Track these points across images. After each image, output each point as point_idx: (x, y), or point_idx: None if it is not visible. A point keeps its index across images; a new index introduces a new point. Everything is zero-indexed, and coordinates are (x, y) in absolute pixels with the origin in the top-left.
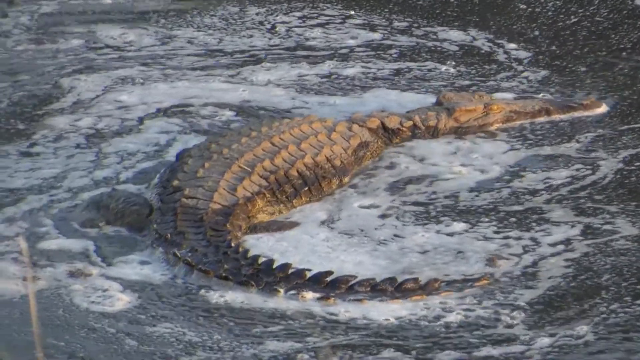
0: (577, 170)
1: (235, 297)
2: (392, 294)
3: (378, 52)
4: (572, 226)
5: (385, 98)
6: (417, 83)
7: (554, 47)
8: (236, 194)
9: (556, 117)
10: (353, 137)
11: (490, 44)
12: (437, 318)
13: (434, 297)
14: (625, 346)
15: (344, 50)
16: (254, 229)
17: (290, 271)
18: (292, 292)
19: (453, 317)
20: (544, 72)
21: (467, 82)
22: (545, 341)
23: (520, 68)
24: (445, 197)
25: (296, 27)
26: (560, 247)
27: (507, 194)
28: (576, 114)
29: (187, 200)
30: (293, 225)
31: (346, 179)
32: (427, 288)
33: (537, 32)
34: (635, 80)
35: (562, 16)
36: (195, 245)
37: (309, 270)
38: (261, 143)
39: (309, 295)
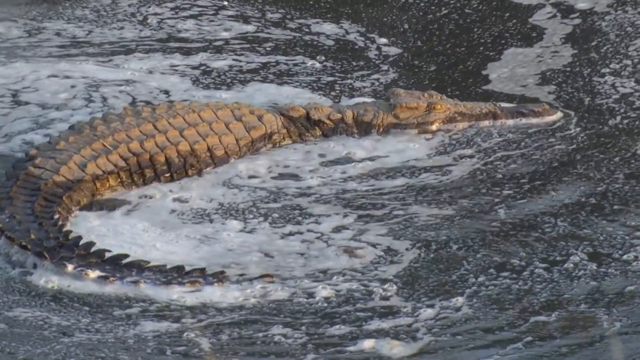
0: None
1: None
2: (176, 279)
3: (253, 44)
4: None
5: (266, 92)
6: (286, 77)
7: (419, 43)
8: (86, 170)
9: (502, 122)
10: (256, 129)
11: (363, 39)
12: (311, 295)
13: (304, 278)
14: (503, 318)
15: (217, 43)
16: (92, 205)
17: (92, 250)
18: (80, 269)
19: (326, 293)
20: (400, 72)
21: (329, 79)
22: (429, 312)
23: (384, 67)
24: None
25: (169, 18)
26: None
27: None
28: (525, 121)
29: (34, 169)
30: (123, 204)
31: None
32: (208, 278)
33: (406, 26)
34: (475, 78)
35: (433, 8)
36: (18, 212)
37: (110, 251)
38: (142, 125)
39: (94, 274)
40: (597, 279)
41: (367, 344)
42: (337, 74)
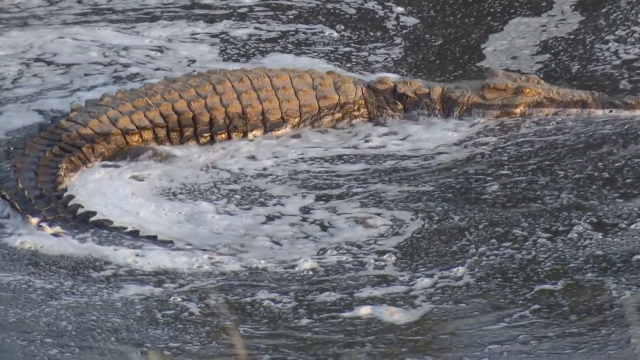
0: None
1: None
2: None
3: (276, 12)
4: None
5: (284, 62)
6: (304, 47)
7: (433, 13)
8: (117, 124)
9: (591, 111)
10: (327, 98)
11: (381, 7)
12: (292, 267)
13: (283, 250)
14: (507, 287)
15: (241, 10)
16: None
17: (69, 206)
18: (40, 224)
19: (309, 265)
20: (409, 46)
21: (346, 49)
22: (426, 281)
23: (398, 40)
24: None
25: None
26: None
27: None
28: (615, 112)
29: (64, 122)
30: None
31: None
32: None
33: None
34: (472, 53)
35: None
36: (24, 161)
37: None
38: (202, 85)
39: (51, 230)
40: (603, 248)
41: (364, 310)
42: (353, 44)
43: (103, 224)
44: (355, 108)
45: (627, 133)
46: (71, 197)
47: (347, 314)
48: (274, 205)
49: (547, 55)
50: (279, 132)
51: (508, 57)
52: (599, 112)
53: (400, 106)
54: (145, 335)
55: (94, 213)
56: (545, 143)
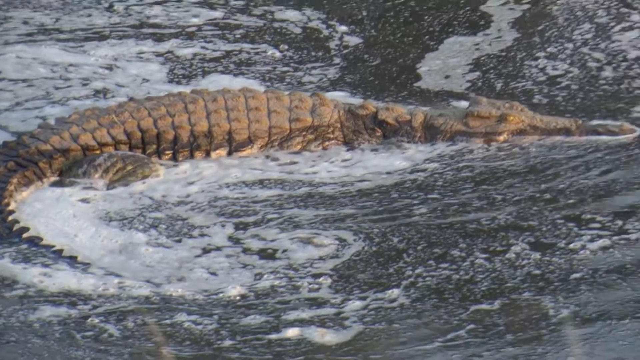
0: None
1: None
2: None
3: (224, 31)
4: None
5: (221, 84)
6: (244, 67)
7: (374, 32)
8: (78, 140)
9: (575, 138)
10: (299, 120)
11: (325, 26)
12: (217, 293)
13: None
14: (442, 307)
15: (190, 29)
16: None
17: (8, 221)
18: None
19: (237, 292)
20: (347, 66)
21: (283, 69)
22: (357, 304)
23: (337, 60)
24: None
25: (135, 5)
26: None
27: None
28: (596, 137)
29: (26, 138)
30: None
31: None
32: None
33: (365, 13)
34: (409, 73)
35: None
36: None
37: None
38: (173, 103)
39: None
40: (540, 267)
41: (291, 332)
42: (292, 64)
43: (34, 241)
44: (330, 131)
45: (577, 156)
46: (11, 212)
47: (273, 336)
48: (201, 236)
49: (477, 73)
50: (244, 152)
51: (441, 76)
52: (583, 139)
53: (379, 132)
54: (66, 357)
55: (28, 229)
56: (486, 168)
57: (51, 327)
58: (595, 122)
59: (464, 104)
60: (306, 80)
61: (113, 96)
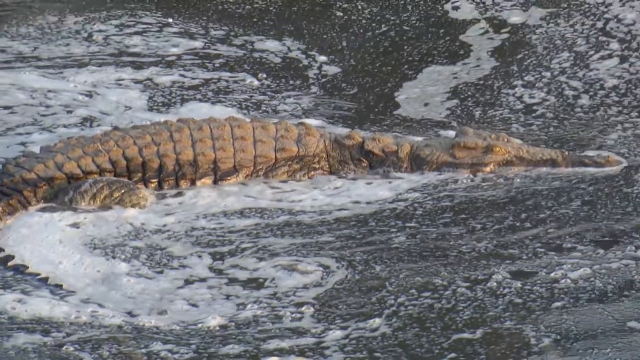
0: None
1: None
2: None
3: (204, 60)
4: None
5: (199, 112)
6: (222, 95)
7: (353, 62)
8: (63, 169)
9: (562, 170)
10: (285, 150)
11: (305, 56)
12: (195, 324)
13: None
14: (424, 336)
15: (169, 58)
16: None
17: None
18: None
19: (217, 322)
20: (323, 95)
21: (260, 97)
22: (337, 333)
23: (314, 89)
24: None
25: (114, 35)
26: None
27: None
28: (583, 169)
29: (10, 167)
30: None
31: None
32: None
33: (344, 43)
34: (387, 102)
35: (373, 25)
36: None
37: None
38: (159, 132)
39: None
40: (522, 296)
41: None
42: (269, 93)
43: (19, 269)
44: (315, 161)
45: (558, 187)
46: None
47: None
48: (180, 267)
49: (455, 101)
50: (230, 181)
51: (420, 104)
52: (569, 170)
53: (365, 163)
54: None
55: (13, 257)
56: (466, 198)
57: (27, 355)
58: (582, 153)
59: (443, 132)
60: (281, 108)
61: (99, 125)
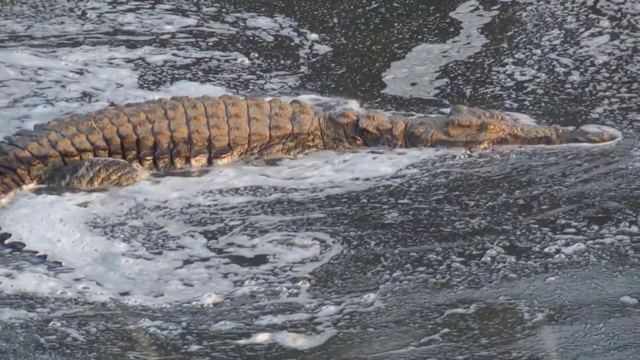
0: None
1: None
2: None
3: (198, 39)
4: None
5: (187, 91)
6: (212, 75)
7: (344, 40)
8: (57, 147)
9: (557, 146)
10: (279, 128)
11: (296, 34)
12: (189, 302)
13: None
14: (418, 311)
15: (164, 36)
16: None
17: None
18: None
19: (212, 299)
20: (310, 74)
21: (248, 77)
22: (331, 309)
23: (303, 68)
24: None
25: (108, 12)
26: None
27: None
28: (577, 145)
29: (4, 146)
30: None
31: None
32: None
33: (335, 20)
34: (373, 81)
35: (364, 1)
36: None
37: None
38: (153, 110)
39: None
40: (516, 271)
41: (261, 337)
42: (258, 72)
43: (16, 247)
44: (310, 139)
45: (553, 163)
46: None
47: (242, 341)
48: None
49: (445, 80)
50: (224, 159)
51: (407, 84)
52: (564, 146)
53: (359, 141)
54: None
55: (9, 235)
56: (461, 175)
57: (14, 330)
58: (577, 129)
59: (430, 110)
60: (268, 87)
61: (97, 100)
